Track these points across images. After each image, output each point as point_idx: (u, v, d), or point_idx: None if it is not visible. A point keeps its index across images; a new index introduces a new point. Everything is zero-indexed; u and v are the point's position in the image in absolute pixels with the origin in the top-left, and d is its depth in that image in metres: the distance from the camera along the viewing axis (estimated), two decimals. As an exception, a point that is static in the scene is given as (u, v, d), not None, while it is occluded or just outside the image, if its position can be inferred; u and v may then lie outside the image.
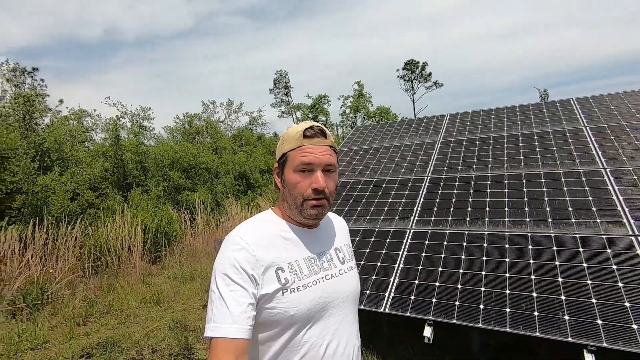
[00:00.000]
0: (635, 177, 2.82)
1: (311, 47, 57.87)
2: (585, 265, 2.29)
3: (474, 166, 3.58)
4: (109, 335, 3.38)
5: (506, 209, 2.91)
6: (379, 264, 2.81)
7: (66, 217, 5.84)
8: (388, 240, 3.02)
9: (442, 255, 2.68)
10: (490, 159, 3.61)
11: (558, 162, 3.24)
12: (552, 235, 2.55)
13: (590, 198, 2.76)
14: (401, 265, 2.73)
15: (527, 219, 2.75)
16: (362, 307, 2.48)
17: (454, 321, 2.21)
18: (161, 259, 6.24)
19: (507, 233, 2.69)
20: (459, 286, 2.40)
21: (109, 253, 5.56)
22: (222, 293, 0.83)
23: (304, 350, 0.88)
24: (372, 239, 3.08)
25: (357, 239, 3.15)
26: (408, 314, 2.35)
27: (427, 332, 2.24)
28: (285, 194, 0.96)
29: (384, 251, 2.91)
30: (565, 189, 2.91)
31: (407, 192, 3.55)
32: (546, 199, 2.87)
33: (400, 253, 2.84)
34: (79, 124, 11.26)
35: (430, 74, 36.01)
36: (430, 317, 2.27)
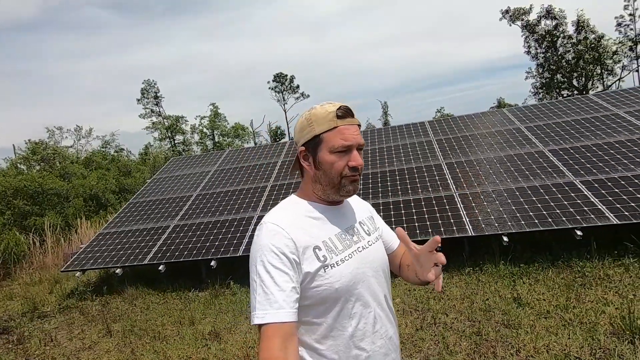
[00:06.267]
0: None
1: (196, 48, 55.51)
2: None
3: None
4: (-27, 319, 5.04)
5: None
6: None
7: None
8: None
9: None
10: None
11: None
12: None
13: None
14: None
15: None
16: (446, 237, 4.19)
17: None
18: (11, 274, 7.51)
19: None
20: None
21: (-43, 275, 6.67)
22: (263, 280, 0.86)
23: (355, 320, 0.95)
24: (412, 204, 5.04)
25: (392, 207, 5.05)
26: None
27: (505, 238, 4.01)
28: (318, 175, 1.00)
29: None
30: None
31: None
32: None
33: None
34: None
35: (298, 86, 40.78)
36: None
